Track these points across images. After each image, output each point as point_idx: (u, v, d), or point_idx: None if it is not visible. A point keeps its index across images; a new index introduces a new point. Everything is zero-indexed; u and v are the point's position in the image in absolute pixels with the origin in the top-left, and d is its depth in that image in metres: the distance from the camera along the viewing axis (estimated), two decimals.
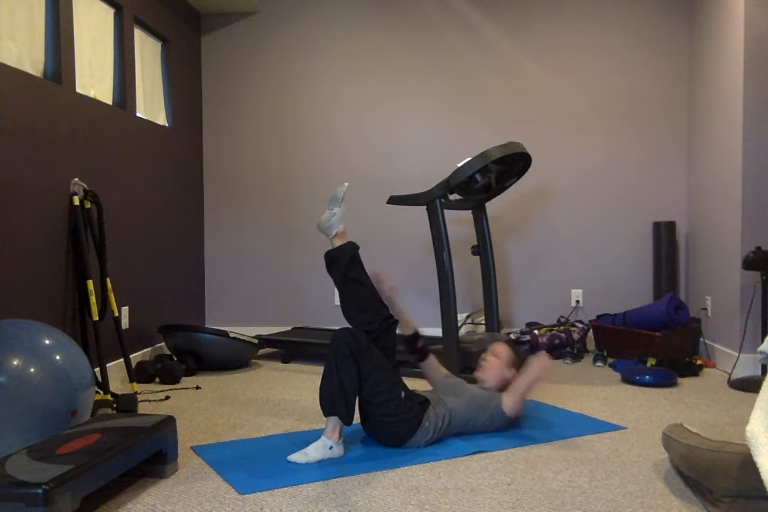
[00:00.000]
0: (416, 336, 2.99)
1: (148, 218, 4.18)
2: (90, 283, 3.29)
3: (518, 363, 2.93)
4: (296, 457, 2.50)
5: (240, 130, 5.05)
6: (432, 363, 3.03)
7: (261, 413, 3.17)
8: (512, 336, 4.40)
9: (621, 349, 4.35)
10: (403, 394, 2.62)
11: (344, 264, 2.76)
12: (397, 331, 2.88)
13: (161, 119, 4.52)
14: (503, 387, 2.89)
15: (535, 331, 4.45)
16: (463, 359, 3.70)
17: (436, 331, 4.49)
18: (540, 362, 2.79)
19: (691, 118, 4.72)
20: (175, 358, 4.09)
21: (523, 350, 4.38)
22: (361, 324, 2.72)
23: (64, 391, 2.39)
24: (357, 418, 2.62)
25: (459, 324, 4.33)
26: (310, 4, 4.96)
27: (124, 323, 3.84)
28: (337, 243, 2.81)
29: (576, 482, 2.30)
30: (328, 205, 2.83)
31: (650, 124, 4.82)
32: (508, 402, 2.79)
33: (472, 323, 4.77)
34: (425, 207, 3.82)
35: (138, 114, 4.13)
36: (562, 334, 4.43)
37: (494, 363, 2.93)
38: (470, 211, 4.30)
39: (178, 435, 2.47)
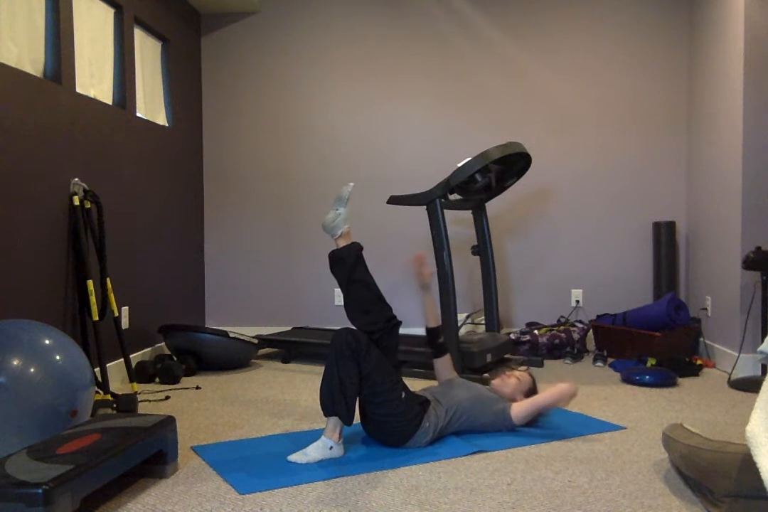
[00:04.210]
0: (438, 330, 3.02)
1: (148, 218, 4.18)
2: (90, 283, 3.29)
3: (531, 395, 2.95)
4: (296, 457, 2.50)
5: (240, 129, 5.05)
6: (446, 361, 3.05)
7: (261, 413, 3.17)
8: (512, 336, 4.40)
9: (621, 349, 4.35)
10: (403, 395, 2.62)
11: (349, 265, 2.75)
12: (422, 323, 2.90)
13: (161, 119, 4.52)
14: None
15: (535, 331, 4.45)
16: (463, 359, 3.70)
17: None
18: (568, 385, 2.79)
19: (691, 118, 4.72)
20: (175, 358, 4.08)
21: (523, 350, 4.39)
22: (364, 324, 2.72)
23: (64, 391, 2.39)
24: (357, 418, 2.62)
25: (459, 324, 4.33)
26: (311, 5, 4.96)
27: (124, 323, 3.84)
28: (342, 243, 2.80)
29: (576, 482, 2.30)
30: (333, 205, 2.82)
31: (650, 124, 4.83)
32: (518, 409, 2.80)
33: (472, 323, 4.77)
34: (425, 207, 3.82)
35: (138, 114, 4.13)
36: (562, 334, 4.42)
37: (514, 383, 2.94)
38: (470, 211, 4.30)
39: (178, 435, 2.47)
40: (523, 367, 3.84)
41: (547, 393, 2.80)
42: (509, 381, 2.95)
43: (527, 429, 2.87)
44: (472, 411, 2.77)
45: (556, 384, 2.82)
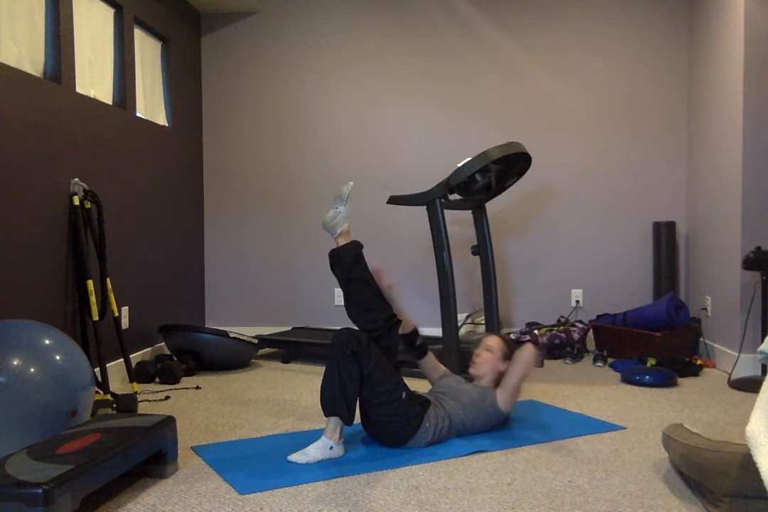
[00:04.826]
0: (415, 333, 2.99)
1: (148, 218, 4.18)
2: (90, 283, 3.29)
3: (511, 354, 2.91)
4: (296, 457, 2.50)
5: (240, 129, 5.05)
6: (430, 361, 3.04)
7: (261, 413, 3.17)
8: (512, 336, 4.40)
9: (621, 349, 4.35)
10: (404, 395, 2.62)
11: (348, 263, 2.76)
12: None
13: (161, 119, 4.52)
14: (499, 380, 2.89)
15: (535, 331, 4.45)
16: (463, 359, 3.70)
17: (436, 331, 4.49)
18: (526, 353, 2.78)
19: (691, 119, 4.72)
20: (175, 358, 4.08)
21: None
22: (364, 323, 2.72)
23: (64, 391, 2.38)
24: (357, 418, 2.62)
25: (459, 324, 4.33)
26: (311, 5, 4.96)
27: (124, 323, 3.84)
28: (342, 242, 2.80)
29: (576, 482, 2.30)
30: (333, 204, 2.82)
31: (650, 124, 4.83)
32: (502, 398, 2.80)
33: (472, 323, 4.77)
34: (425, 207, 3.82)
35: (138, 114, 4.13)
36: (562, 334, 4.43)
37: (488, 358, 2.92)
38: (470, 211, 4.30)
39: (178, 435, 2.47)
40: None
41: (516, 368, 2.78)
42: (482, 358, 2.92)
43: (527, 429, 2.87)
44: (469, 417, 2.76)
45: (519, 354, 2.80)
